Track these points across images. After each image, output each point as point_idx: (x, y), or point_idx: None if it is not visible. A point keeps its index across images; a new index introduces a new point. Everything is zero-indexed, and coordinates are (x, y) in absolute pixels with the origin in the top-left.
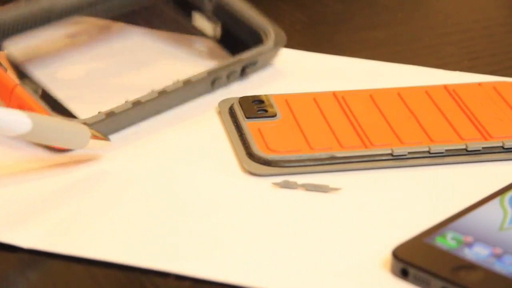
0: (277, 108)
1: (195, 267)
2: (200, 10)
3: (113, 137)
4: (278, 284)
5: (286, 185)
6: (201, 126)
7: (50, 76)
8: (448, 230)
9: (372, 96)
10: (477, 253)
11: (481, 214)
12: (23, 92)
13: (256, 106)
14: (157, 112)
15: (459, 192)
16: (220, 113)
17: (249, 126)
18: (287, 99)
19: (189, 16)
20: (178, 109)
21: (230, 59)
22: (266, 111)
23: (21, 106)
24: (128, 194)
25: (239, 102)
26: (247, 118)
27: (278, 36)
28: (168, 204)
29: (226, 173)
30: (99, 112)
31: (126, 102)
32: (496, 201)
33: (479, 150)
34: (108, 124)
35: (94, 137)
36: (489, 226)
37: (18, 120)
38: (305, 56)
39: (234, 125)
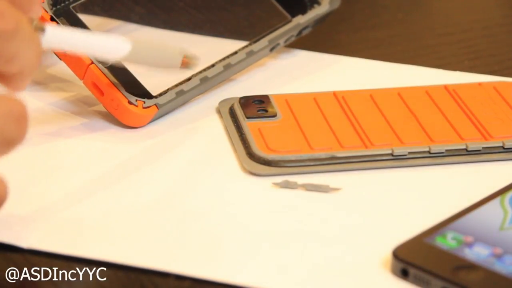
0: (277, 108)
1: (195, 267)
2: None
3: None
4: (278, 284)
5: (286, 185)
6: (201, 126)
7: None
8: (448, 230)
9: (372, 96)
10: (478, 253)
11: (481, 214)
12: (97, 69)
13: (256, 106)
14: (219, 84)
15: (459, 192)
16: (220, 113)
17: (249, 126)
18: (287, 99)
19: None
20: (178, 110)
21: (289, 25)
22: (266, 111)
23: (95, 82)
24: (128, 194)
25: (239, 102)
26: (247, 118)
27: None
28: (168, 204)
29: (226, 173)
30: (168, 89)
31: (193, 78)
32: (496, 201)
33: (479, 150)
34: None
35: (184, 59)
36: (489, 226)
37: (118, 44)
38: (305, 56)
39: (234, 125)
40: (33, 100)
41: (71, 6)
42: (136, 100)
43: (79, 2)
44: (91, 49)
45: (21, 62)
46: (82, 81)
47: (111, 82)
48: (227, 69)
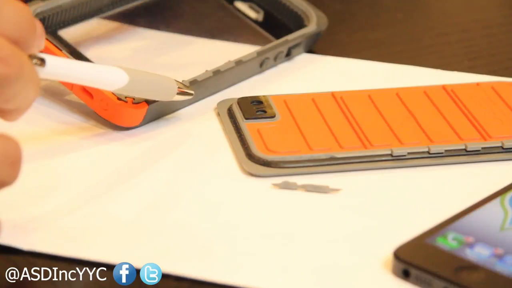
0: (276, 108)
1: (194, 268)
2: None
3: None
4: (278, 284)
5: (286, 186)
6: (200, 127)
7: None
8: (449, 231)
9: (371, 97)
10: (479, 254)
11: (482, 214)
12: None
13: (255, 107)
14: (211, 93)
15: (459, 193)
16: (218, 114)
17: (248, 127)
18: (286, 100)
19: (231, 4)
20: (176, 111)
21: (277, 41)
22: (265, 112)
23: (83, 87)
24: (128, 195)
25: (238, 103)
26: (246, 119)
27: (320, 18)
28: (167, 205)
29: (225, 174)
30: None
31: (183, 80)
32: (496, 201)
33: (478, 150)
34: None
35: (180, 90)
36: (490, 227)
37: (116, 75)
38: (303, 56)
39: (233, 126)
40: None
41: (58, 32)
42: (126, 97)
43: (66, 27)
44: (89, 81)
45: (20, 101)
46: (72, 92)
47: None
48: (216, 75)
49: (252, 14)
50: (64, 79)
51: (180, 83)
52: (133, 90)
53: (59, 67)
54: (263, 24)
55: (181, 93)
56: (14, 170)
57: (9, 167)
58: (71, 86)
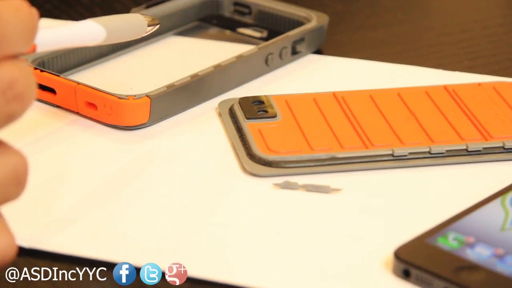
0: (277, 108)
1: (195, 267)
2: (243, 25)
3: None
4: (278, 284)
5: (287, 186)
6: (201, 127)
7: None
8: (449, 231)
9: (372, 97)
10: (479, 254)
11: (483, 214)
12: (83, 86)
13: (256, 107)
14: (217, 92)
15: (460, 193)
16: (220, 114)
17: (250, 126)
18: (287, 100)
19: (234, 31)
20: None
21: (278, 37)
22: (266, 111)
23: (87, 101)
24: (127, 195)
25: (239, 102)
26: (248, 118)
27: (320, 16)
28: (168, 205)
29: (226, 174)
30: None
31: (184, 76)
32: (497, 201)
33: (479, 151)
34: (170, 98)
35: (148, 22)
36: (490, 227)
37: (94, 30)
38: (305, 56)
39: (234, 126)
40: None
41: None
42: (127, 96)
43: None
44: (73, 42)
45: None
46: (78, 112)
47: (98, 90)
48: (217, 69)
49: (256, 34)
50: (53, 47)
51: (147, 16)
52: (112, 39)
53: (46, 44)
54: (268, 39)
55: (150, 25)
56: (20, 188)
57: (16, 186)
58: (76, 107)
